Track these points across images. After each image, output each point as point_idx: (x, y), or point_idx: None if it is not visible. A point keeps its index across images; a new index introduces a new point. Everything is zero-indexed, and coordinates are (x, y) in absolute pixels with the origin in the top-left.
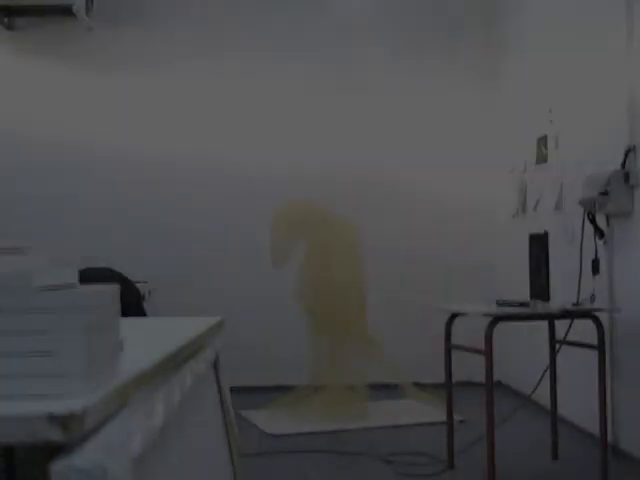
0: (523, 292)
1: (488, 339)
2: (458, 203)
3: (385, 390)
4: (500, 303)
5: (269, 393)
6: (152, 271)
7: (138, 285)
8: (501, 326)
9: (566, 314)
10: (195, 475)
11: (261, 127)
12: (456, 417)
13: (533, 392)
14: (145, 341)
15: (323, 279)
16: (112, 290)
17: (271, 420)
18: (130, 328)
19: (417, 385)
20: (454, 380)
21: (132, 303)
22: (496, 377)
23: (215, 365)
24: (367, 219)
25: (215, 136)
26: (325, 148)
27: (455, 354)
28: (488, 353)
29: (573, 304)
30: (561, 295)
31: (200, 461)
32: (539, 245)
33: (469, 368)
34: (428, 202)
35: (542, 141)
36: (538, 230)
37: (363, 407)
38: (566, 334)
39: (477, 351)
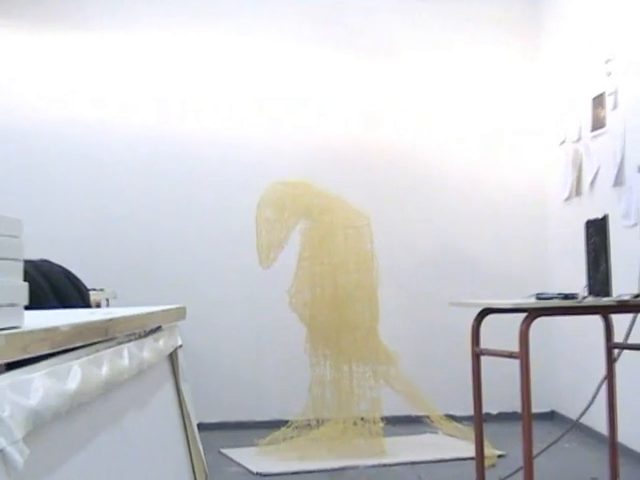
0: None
1: (523, 336)
2: (499, 186)
3: (406, 423)
4: (541, 296)
5: (258, 429)
6: (111, 278)
7: (94, 292)
8: (553, 351)
9: (623, 307)
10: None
11: (244, 98)
12: (495, 451)
13: (585, 412)
14: (69, 314)
15: (325, 281)
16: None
17: (260, 458)
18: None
19: (449, 418)
20: (497, 410)
21: (74, 296)
22: (550, 406)
23: (172, 360)
24: (382, 205)
25: (186, 111)
26: (332, 119)
27: (499, 380)
28: (523, 355)
29: (634, 296)
30: (623, 289)
31: (141, 457)
32: (598, 232)
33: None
34: (461, 185)
35: (598, 101)
36: (595, 213)
37: (378, 444)
38: (627, 335)
39: (511, 355)
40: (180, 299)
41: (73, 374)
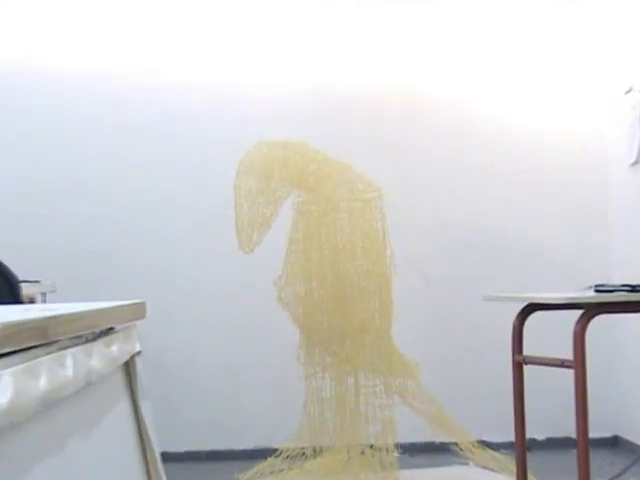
0: None
1: (579, 339)
2: (547, 146)
3: (428, 452)
4: (600, 289)
5: (239, 460)
6: (52, 269)
7: (27, 285)
8: (616, 359)
9: None
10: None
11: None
12: None
13: None
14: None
15: (324, 270)
16: None
17: None
18: None
19: (482, 445)
20: (544, 435)
21: (2, 289)
22: (612, 430)
23: (128, 371)
24: (398, 173)
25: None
26: (335, 63)
27: (548, 397)
28: (579, 363)
29: None
30: None
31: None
32: None
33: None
34: (498, 146)
35: None
36: None
37: (392, 479)
38: None
39: (563, 364)
40: (139, 293)
41: (3, 387)
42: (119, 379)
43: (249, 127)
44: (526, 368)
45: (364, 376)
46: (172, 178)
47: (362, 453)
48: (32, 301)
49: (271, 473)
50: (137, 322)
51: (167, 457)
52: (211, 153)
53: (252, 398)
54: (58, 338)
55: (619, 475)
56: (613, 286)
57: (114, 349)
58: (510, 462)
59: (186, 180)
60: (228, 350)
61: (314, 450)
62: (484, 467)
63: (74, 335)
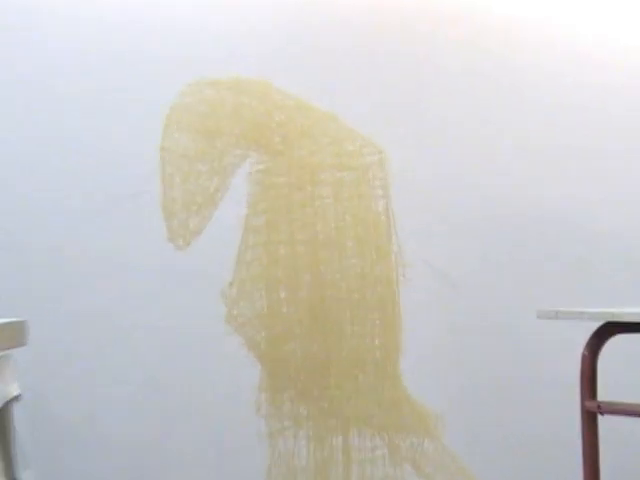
0: None
1: None
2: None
3: None
4: None
5: None
6: None
7: None
8: None
9: None
10: None
11: None
12: None
13: None
14: None
15: (299, 273)
16: None
17: None
18: None
19: None
20: None
21: None
22: None
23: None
24: (409, 129)
25: None
26: None
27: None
28: None
29: None
30: None
31: None
32: None
33: None
34: (547, 89)
35: None
36: None
37: None
38: None
39: None
40: (15, 309)
41: None
42: None
43: (186, 64)
44: (603, 420)
45: (358, 434)
46: (65, 143)
47: None
48: None
49: None
50: (13, 352)
51: None
52: (123, 101)
53: (185, 468)
54: None
55: None
56: None
57: None
58: None
59: (82, 143)
60: (148, 395)
61: None
62: None
63: None
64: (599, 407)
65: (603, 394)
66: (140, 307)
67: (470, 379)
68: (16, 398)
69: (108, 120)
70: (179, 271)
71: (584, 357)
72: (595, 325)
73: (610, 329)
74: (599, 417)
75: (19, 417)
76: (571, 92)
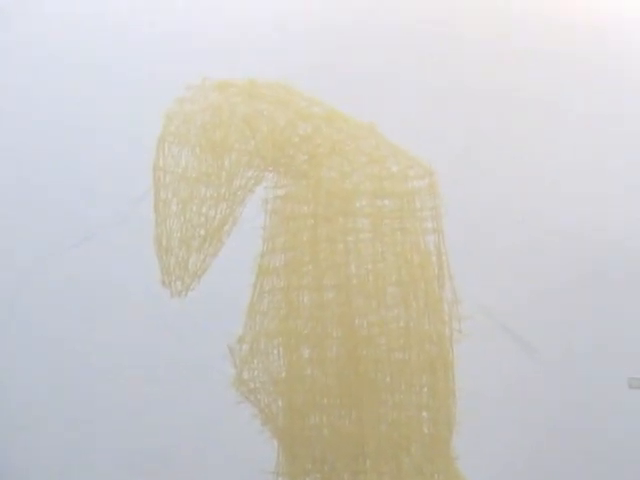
0: None
1: None
2: None
3: None
4: None
5: None
6: None
7: None
8: None
9: None
10: None
11: None
12: None
13: None
14: None
15: (325, 325)
16: None
17: None
18: None
19: None
20: None
21: None
22: None
23: None
24: (473, 141)
25: None
26: None
27: None
28: None
29: None
30: None
31: None
32: None
33: None
34: None
35: None
36: None
37: None
38: None
39: None
40: None
41: None
42: None
43: (186, 62)
44: None
45: None
46: (36, 159)
47: None
48: None
49: None
50: None
51: None
52: (108, 109)
53: None
54: None
55: None
56: None
57: None
58: None
59: (62, 158)
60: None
61: None
62: None
63: None
64: None
65: None
66: (135, 364)
67: (550, 461)
68: None
69: (91, 132)
70: (176, 323)
71: None
72: None
73: None
74: None
75: None
76: None
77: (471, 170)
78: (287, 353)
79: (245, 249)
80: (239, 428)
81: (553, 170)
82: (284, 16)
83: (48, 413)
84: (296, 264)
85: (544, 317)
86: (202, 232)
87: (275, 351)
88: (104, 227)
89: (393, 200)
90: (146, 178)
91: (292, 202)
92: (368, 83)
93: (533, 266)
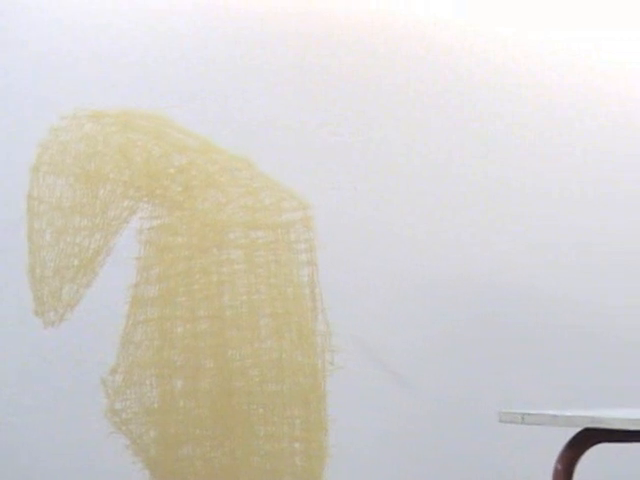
0: None
1: None
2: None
3: None
4: None
5: None
6: None
7: None
8: None
9: None
10: None
11: None
12: None
13: None
14: None
15: (198, 357)
16: None
17: None
18: None
19: None
20: None
21: None
22: None
23: None
24: (352, 172)
25: None
26: None
27: None
28: None
29: None
30: None
31: None
32: None
33: None
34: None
35: None
36: None
37: None
38: None
39: None
40: None
41: None
42: None
43: (61, 91)
44: None
45: None
46: None
47: None
48: None
49: None
50: None
51: None
52: None
53: None
54: None
55: None
56: None
57: None
58: None
59: None
60: None
61: None
62: None
63: None
64: None
65: None
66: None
67: None
68: None
69: None
70: (48, 353)
71: (557, 472)
72: (574, 430)
73: (592, 437)
74: None
75: None
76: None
77: (349, 203)
78: (160, 384)
79: (119, 279)
80: (111, 458)
81: (439, 193)
82: (161, 46)
83: None
84: (170, 295)
85: (422, 348)
86: (76, 262)
87: (148, 382)
88: None
89: (267, 232)
90: (20, 208)
91: (167, 233)
92: (244, 117)
93: (411, 299)
